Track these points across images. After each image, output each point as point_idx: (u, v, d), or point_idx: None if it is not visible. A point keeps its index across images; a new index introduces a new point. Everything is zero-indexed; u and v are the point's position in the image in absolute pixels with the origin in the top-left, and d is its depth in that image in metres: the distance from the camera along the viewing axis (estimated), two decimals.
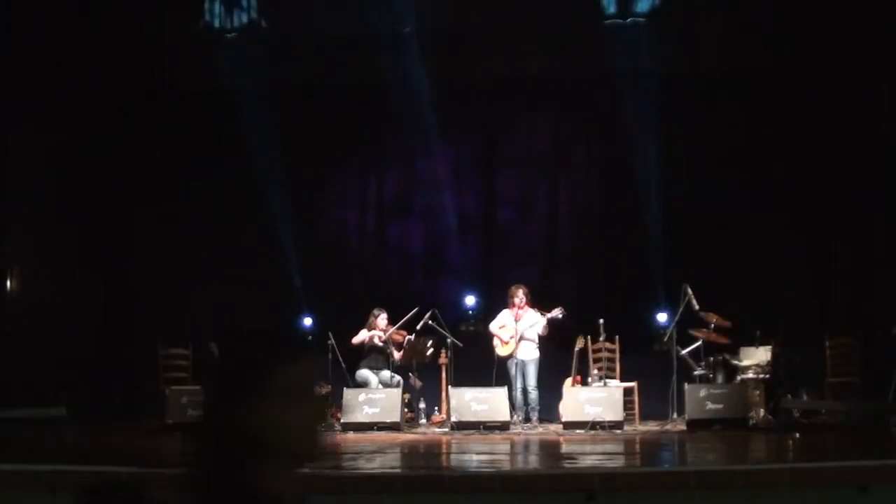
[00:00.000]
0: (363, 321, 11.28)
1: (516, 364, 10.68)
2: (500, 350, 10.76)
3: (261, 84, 12.05)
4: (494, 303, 11.93)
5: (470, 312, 12.31)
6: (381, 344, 11.13)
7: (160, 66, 12.18)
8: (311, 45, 12.30)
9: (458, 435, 9.88)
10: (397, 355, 11.08)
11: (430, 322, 10.99)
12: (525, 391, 10.66)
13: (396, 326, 11.15)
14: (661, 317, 11.55)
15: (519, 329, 10.72)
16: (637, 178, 12.86)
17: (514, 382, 10.65)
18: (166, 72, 12.29)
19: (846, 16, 11.14)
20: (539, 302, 11.01)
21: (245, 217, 12.68)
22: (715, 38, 11.90)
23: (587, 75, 12.40)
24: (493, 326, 10.88)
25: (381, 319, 11.18)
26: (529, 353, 10.73)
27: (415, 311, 11.01)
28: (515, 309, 10.79)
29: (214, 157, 12.72)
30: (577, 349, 10.77)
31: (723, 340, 10.81)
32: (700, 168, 12.54)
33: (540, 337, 10.78)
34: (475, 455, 7.86)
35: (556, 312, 10.62)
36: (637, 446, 8.78)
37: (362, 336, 11.17)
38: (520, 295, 10.77)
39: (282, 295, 12.52)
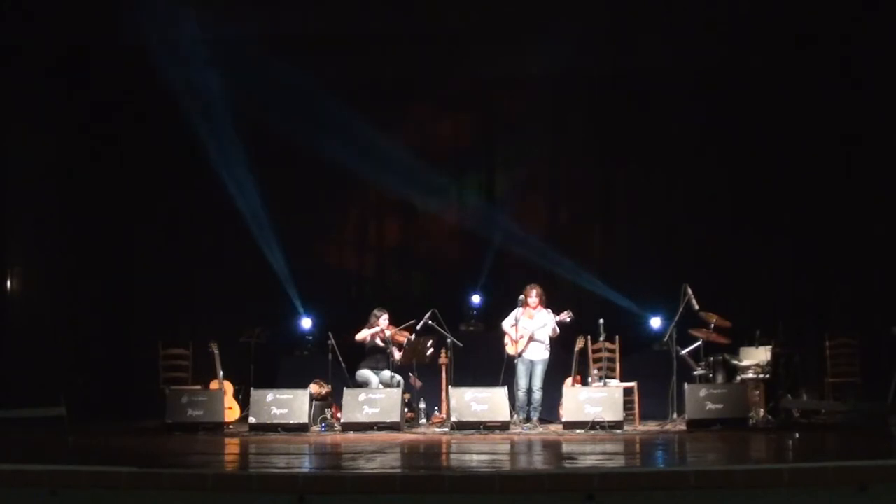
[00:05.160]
0: (363, 322, 11.26)
1: (525, 364, 10.64)
2: (509, 349, 10.71)
3: (261, 87, 12.06)
4: (495, 303, 11.94)
5: (474, 312, 12.33)
6: (381, 344, 11.12)
7: (161, 69, 12.18)
8: (311, 46, 12.28)
9: (458, 435, 9.87)
10: (397, 355, 11.06)
11: (430, 322, 10.98)
12: (530, 391, 10.63)
13: (400, 328, 11.14)
14: (655, 322, 11.54)
15: (530, 329, 10.67)
16: (637, 178, 12.90)
17: (520, 382, 10.61)
18: (167, 75, 12.28)
19: None
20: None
21: (245, 217, 12.67)
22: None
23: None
24: (506, 324, 10.81)
25: (383, 320, 11.16)
26: (539, 354, 10.67)
27: (427, 315, 10.98)
28: (528, 308, 10.73)
29: (215, 156, 12.72)
30: (577, 349, 10.75)
31: (723, 340, 10.82)
32: (700, 167, 12.55)
33: (550, 339, 10.74)
34: (475, 455, 7.85)
35: (564, 316, 10.59)
36: (637, 446, 8.76)
37: (365, 333, 11.15)
38: (533, 295, 10.68)
39: (282, 295, 12.53)
